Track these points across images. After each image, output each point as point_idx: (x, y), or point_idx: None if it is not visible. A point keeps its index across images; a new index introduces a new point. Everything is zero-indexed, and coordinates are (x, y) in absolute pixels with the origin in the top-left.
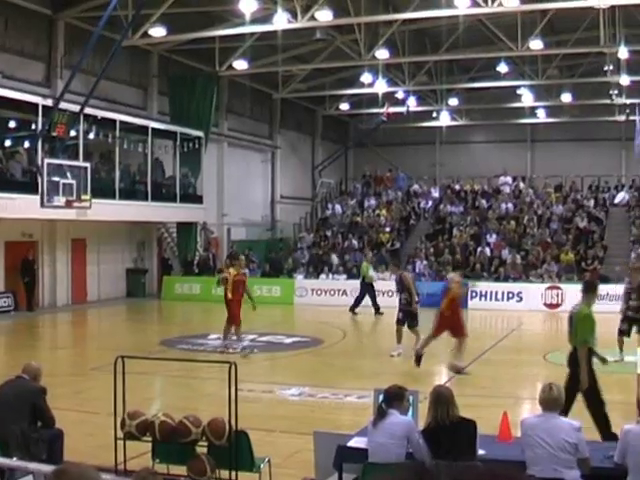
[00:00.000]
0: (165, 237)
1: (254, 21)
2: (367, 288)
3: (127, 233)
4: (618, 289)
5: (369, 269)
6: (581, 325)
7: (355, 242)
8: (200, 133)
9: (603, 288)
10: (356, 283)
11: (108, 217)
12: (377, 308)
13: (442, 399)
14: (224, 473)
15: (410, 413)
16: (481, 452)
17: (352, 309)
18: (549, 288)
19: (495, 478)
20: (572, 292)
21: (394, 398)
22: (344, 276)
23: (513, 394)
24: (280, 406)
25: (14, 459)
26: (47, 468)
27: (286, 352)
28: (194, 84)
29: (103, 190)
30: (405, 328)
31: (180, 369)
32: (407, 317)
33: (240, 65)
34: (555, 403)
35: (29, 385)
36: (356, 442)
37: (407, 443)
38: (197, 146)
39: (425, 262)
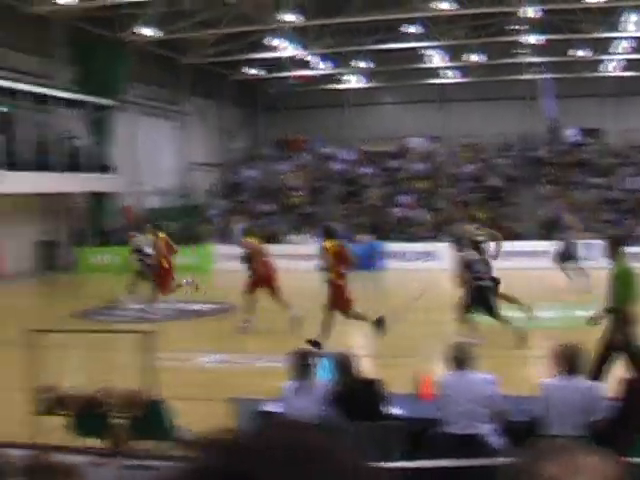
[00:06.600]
0: (77, 208)
1: None
2: None
3: (38, 206)
4: (531, 245)
5: None
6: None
7: (268, 207)
8: (109, 102)
9: (517, 245)
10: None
11: (19, 190)
12: None
13: (343, 364)
14: (143, 443)
15: (324, 375)
16: (399, 411)
17: None
18: None
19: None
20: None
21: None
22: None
23: (430, 353)
24: (198, 374)
25: None
26: None
27: (203, 318)
28: (101, 52)
29: (13, 162)
30: None
31: (97, 341)
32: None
33: (147, 31)
34: (466, 360)
35: None
36: (273, 407)
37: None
38: (107, 115)
39: (339, 224)
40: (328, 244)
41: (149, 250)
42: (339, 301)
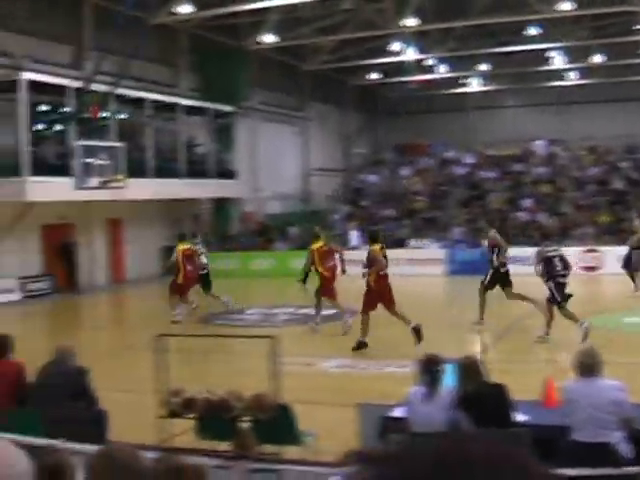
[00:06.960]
0: (200, 213)
1: None
2: None
3: (162, 211)
4: None
5: None
6: None
7: (391, 212)
8: (231, 108)
9: None
10: (391, 252)
11: (143, 196)
12: None
13: (470, 369)
14: (269, 448)
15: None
16: (525, 418)
17: None
18: (586, 251)
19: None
20: (611, 255)
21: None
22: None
23: (554, 359)
24: (321, 378)
25: (61, 440)
26: (93, 449)
27: (325, 324)
28: (223, 60)
29: (137, 169)
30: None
31: (220, 345)
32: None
33: (268, 39)
34: (595, 367)
35: (73, 366)
36: (400, 412)
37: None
38: (229, 121)
39: (462, 229)
40: (376, 247)
41: (204, 259)
42: (383, 299)
